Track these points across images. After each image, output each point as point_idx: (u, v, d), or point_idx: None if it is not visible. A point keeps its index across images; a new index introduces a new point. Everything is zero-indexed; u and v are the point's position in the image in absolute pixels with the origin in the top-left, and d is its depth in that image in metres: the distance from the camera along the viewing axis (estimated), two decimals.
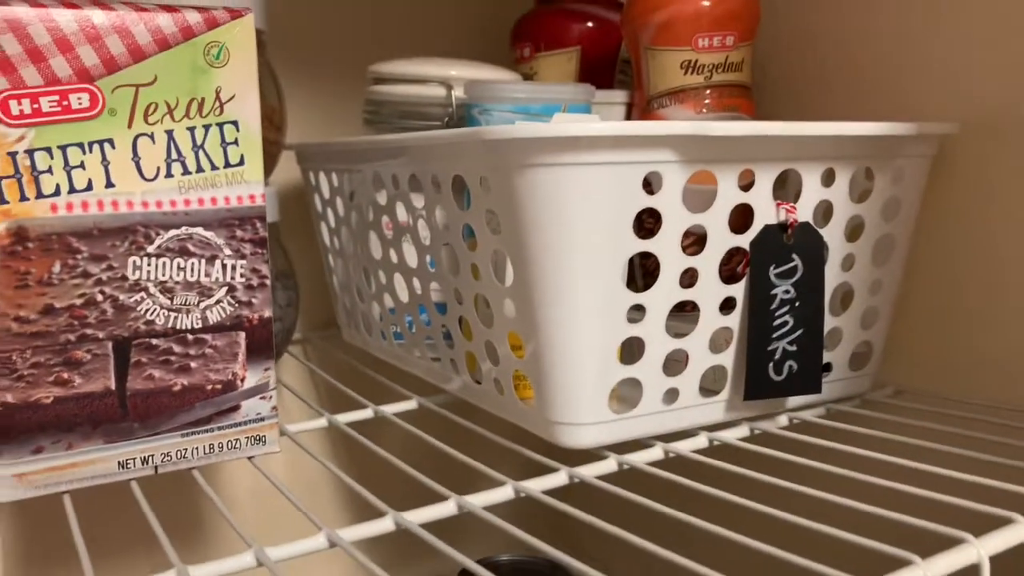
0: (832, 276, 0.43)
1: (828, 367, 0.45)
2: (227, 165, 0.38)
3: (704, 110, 0.50)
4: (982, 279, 0.48)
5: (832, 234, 0.42)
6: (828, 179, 0.41)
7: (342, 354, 0.63)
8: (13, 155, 0.35)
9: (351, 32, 0.70)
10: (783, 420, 0.45)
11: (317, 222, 0.61)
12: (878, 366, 0.48)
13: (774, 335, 0.41)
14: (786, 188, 0.46)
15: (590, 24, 0.61)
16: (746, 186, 0.40)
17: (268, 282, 0.40)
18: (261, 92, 0.49)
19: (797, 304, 0.41)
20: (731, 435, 0.43)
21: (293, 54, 0.67)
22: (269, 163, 0.57)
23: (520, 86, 0.49)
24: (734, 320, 0.41)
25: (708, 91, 0.50)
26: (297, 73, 0.68)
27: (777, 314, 0.40)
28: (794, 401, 0.45)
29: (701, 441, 0.43)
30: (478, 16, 0.74)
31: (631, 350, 0.40)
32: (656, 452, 0.41)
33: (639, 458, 0.41)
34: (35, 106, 0.35)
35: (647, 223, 0.41)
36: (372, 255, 0.53)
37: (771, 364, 0.41)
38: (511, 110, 0.49)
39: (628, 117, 0.55)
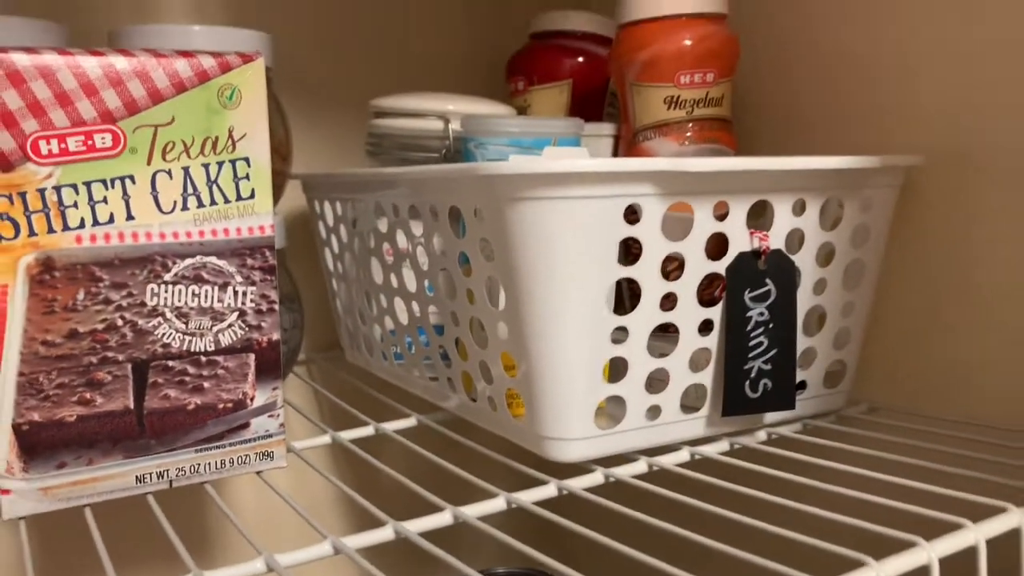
0: (805, 299, 0.46)
1: (803, 385, 0.48)
2: (239, 198, 0.41)
3: (686, 143, 0.53)
4: (953, 300, 0.50)
5: (804, 260, 0.45)
6: (799, 209, 0.44)
7: (345, 374, 0.65)
8: (42, 191, 0.38)
9: (354, 68, 0.73)
10: (762, 435, 0.47)
11: (321, 248, 0.64)
12: (852, 383, 0.50)
13: (750, 355, 0.43)
14: (766, 216, 0.49)
15: (581, 59, 0.65)
16: (722, 216, 0.42)
17: (276, 307, 0.42)
18: (269, 126, 0.52)
19: (771, 326, 0.44)
20: (712, 449, 0.45)
21: (299, 89, 0.70)
22: (276, 193, 0.60)
23: (513, 121, 0.52)
24: (712, 341, 0.44)
25: (690, 124, 0.53)
26: (303, 106, 0.71)
27: (752, 335, 0.43)
28: (772, 417, 0.47)
29: (683, 455, 0.45)
30: (475, 51, 0.78)
31: (618, 369, 0.43)
32: (640, 466, 0.44)
33: (624, 471, 0.43)
34: (62, 146, 0.38)
35: (634, 248, 0.44)
36: (373, 279, 0.56)
37: (747, 382, 0.44)
38: (505, 143, 0.52)
39: (615, 149, 0.58)
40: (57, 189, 0.38)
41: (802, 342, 0.47)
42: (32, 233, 0.37)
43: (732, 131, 0.55)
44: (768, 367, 0.44)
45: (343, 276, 0.62)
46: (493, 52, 0.78)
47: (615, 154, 0.58)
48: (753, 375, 0.44)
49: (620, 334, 0.42)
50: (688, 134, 0.53)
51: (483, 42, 0.78)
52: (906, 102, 0.51)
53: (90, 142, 0.38)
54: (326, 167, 0.72)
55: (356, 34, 0.72)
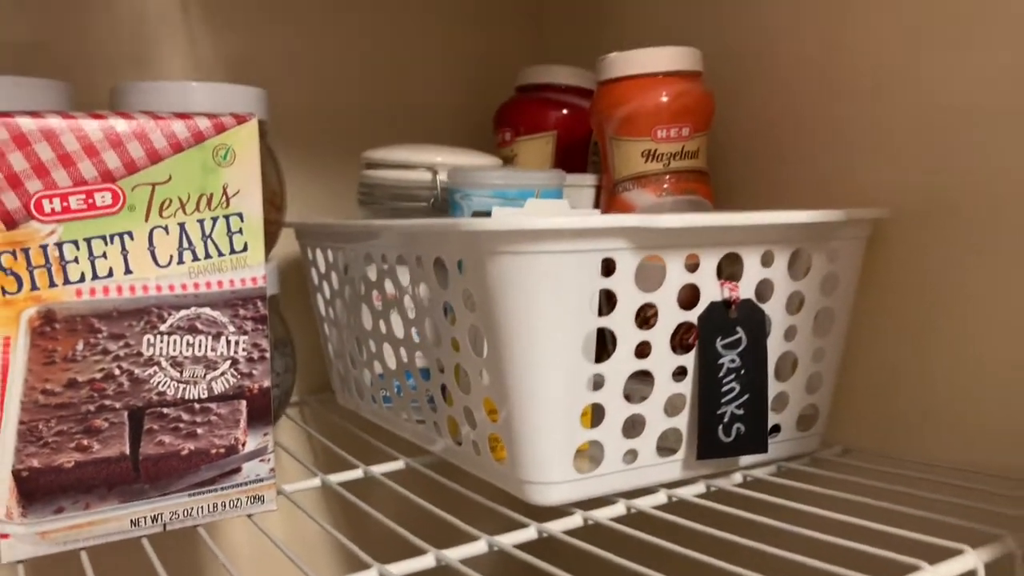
0: (776, 345, 0.48)
1: (777, 428, 0.50)
2: (232, 252, 0.43)
3: (663, 194, 0.55)
4: (922, 345, 0.52)
5: (774, 308, 0.47)
6: (767, 260, 0.46)
7: (336, 417, 0.67)
8: (44, 248, 0.39)
9: (348, 120, 0.75)
10: (737, 477, 0.49)
11: (314, 294, 0.66)
12: (825, 427, 0.52)
13: (722, 400, 0.45)
14: (741, 264, 0.51)
15: (565, 111, 0.67)
16: (694, 267, 0.44)
17: (268, 355, 0.44)
18: (263, 176, 0.54)
19: (743, 372, 0.45)
20: (688, 492, 0.47)
21: (294, 140, 0.73)
22: (270, 241, 0.62)
23: (497, 173, 0.54)
24: (687, 386, 0.45)
25: (667, 176, 0.55)
26: (298, 156, 0.73)
27: (724, 381, 0.45)
28: (747, 459, 0.49)
29: (660, 498, 0.46)
30: (464, 104, 0.80)
31: (599, 413, 0.44)
32: (619, 508, 0.45)
33: (603, 514, 0.44)
34: (64, 204, 0.40)
35: (614, 296, 0.46)
36: (363, 325, 0.58)
37: (720, 427, 0.45)
38: (489, 195, 0.54)
39: (597, 199, 0.60)
40: (59, 245, 0.40)
41: (775, 387, 0.48)
42: (34, 287, 0.39)
43: (708, 182, 0.57)
44: (741, 412, 0.45)
45: (334, 321, 0.63)
46: (481, 104, 0.80)
47: (597, 204, 0.60)
48: (726, 420, 0.45)
49: (600, 379, 0.43)
50: (665, 185, 0.55)
51: (472, 95, 0.80)
52: (880, 157, 0.53)
53: (91, 200, 0.40)
54: (319, 215, 0.74)
55: (350, 88, 0.75)
